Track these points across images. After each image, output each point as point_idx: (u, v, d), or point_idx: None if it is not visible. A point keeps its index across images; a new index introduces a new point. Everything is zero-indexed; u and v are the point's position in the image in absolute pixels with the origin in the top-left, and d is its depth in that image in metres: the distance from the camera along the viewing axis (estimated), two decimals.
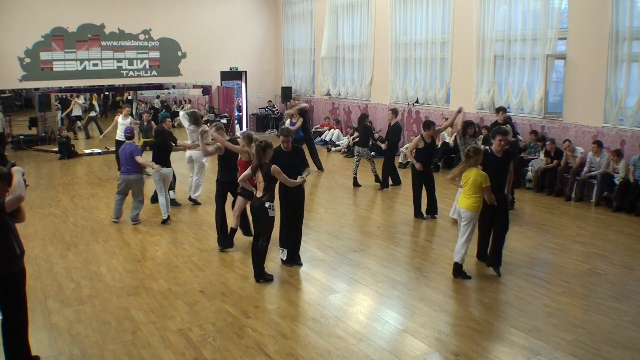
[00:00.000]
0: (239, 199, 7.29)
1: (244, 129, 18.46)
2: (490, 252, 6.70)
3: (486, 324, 5.34)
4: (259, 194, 6.27)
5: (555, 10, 10.70)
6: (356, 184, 11.14)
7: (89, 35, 16.45)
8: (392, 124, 10.77)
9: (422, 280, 6.42)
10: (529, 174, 10.81)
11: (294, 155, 6.71)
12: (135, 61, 17.29)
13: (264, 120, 19.28)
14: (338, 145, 15.74)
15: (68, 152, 14.65)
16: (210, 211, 9.29)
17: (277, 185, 6.41)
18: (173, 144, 9.16)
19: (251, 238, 7.02)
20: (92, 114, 17.99)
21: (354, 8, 16.02)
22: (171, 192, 9.54)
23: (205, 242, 7.78)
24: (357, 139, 11.92)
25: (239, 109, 19.84)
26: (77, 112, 17.64)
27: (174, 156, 8.97)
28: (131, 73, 17.29)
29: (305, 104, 13.49)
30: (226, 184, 7.53)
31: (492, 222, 6.62)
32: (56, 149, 14.93)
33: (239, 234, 7.63)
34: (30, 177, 11.58)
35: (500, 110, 10.57)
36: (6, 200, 4.07)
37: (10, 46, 15.43)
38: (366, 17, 15.55)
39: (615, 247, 7.59)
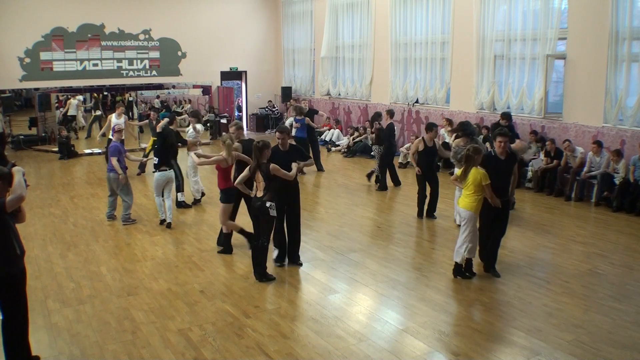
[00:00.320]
0: (221, 205, 7.19)
1: (245, 128, 18.44)
2: (485, 253, 6.66)
3: (486, 324, 5.34)
4: (259, 193, 6.27)
5: (555, 10, 10.70)
6: (384, 186, 10.92)
7: (89, 35, 16.45)
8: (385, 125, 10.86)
9: (422, 280, 6.42)
10: (529, 174, 10.81)
11: (290, 154, 6.70)
12: (135, 61, 17.30)
13: (264, 120, 19.28)
14: (338, 145, 15.74)
15: (68, 152, 14.66)
16: (210, 211, 9.30)
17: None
18: (179, 144, 9.15)
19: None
20: (97, 112, 17.95)
21: (354, 8, 16.02)
22: (179, 194, 9.53)
23: (205, 242, 7.78)
24: (367, 138, 11.88)
25: (239, 109, 19.84)
26: (72, 112, 17.64)
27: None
28: (131, 73, 17.30)
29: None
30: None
31: (493, 225, 6.60)
32: (56, 149, 14.94)
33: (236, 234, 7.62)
34: (30, 177, 11.58)
35: (505, 117, 10.57)
36: (7, 200, 4.07)
37: (10, 46, 15.43)
38: (366, 17, 15.55)
39: (615, 247, 7.59)
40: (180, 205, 9.56)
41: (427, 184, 8.91)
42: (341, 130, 16.49)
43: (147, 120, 13.52)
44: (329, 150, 15.51)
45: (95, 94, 18.27)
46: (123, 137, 8.90)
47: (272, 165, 6.17)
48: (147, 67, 17.51)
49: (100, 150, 15.15)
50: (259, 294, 6.07)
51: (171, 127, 9.52)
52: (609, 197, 9.49)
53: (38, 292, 6.06)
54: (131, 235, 8.17)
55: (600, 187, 9.66)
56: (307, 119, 12.39)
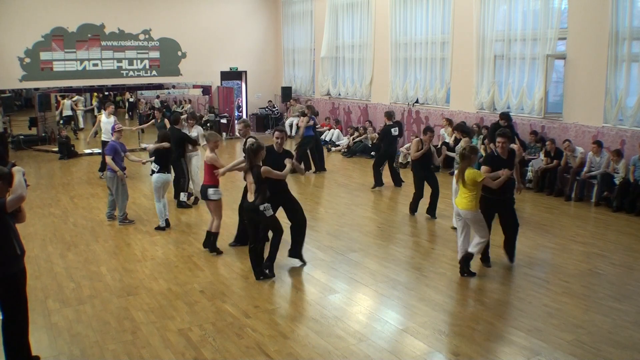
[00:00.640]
0: (213, 203, 7.27)
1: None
2: (506, 248, 6.94)
3: (486, 324, 5.34)
4: (250, 197, 6.23)
5: (555, 10, 10.70)
6: (378, 183, 11.06)
7: (89, 35, 16.45)
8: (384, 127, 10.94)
9: (422, 280, 6.42)
10: (529, 174, 10.81)
11: (284, 157, 6.70)
12: (135, 61, 17.30)
13: (264, 120, 19.28)
14: (338, 145, 15.75)
15: (68, 152, 14.66)
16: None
17: None
18: (190, 146, 9.15)
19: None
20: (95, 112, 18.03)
21: (354, 8, 16.02)
22: (182, 194, 9.52)
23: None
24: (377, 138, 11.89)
25: (239, 109, 19.84)
26: (67, 112, 17.64)
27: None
28: (131, 73, 17.30)
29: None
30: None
31: (494, 222, 6.74)
32: (56, 149, 14.93)
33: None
34: (30, 177, 11.58)
35: (504, 118, 10.60)
36: (7, 200, 4.07)
37: (10, 46, 15.44)
38: (366, 17, 15.55)
39: (615, 247, 7.59)
40: (181, 205, 9.56)
41: (424, 184, 8.97)
42: (341, 130, 16.49)
43: (152, 120, 13.53)
44: (329, 150, 15.51)
45: (96, 94, 18.30)
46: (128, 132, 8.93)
47: (263, 168, 6.14)
48: (147, 67, 17.51)
49: (100, 151, 15.15)
50: (259, 294, 6.07)
51: (177, 126, 9.52)
52: (609, 197, 9.49)
53: (38, 292, 6.06)
54: (131, 235, 8.17)
55: (600, 187, 9.66)
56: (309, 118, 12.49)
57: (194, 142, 9.43)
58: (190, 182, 9.78)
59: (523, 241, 7.70)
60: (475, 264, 6.70)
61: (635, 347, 4.87)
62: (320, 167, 12.64)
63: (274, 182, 6.44)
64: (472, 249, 6.41)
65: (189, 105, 19.63)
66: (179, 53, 17.92)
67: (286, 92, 18.64)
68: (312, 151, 12.61)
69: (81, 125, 18.98)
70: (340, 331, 5.19)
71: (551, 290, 6.10)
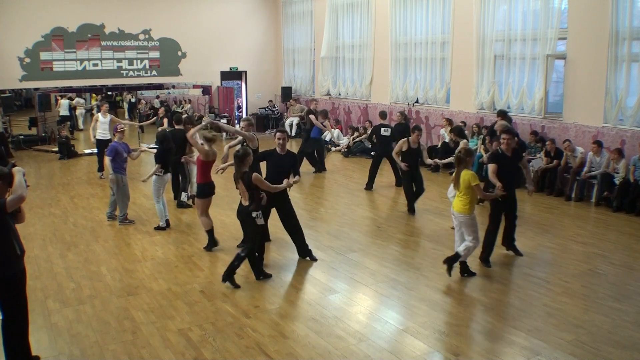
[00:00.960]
0: (198, 200, 7.39)
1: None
2: (509, 245, 7.13)
3: (486, 324, 5.34)
4: (244, 202, 6.19)
5: (555, 10, 10.70)
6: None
7: (89, 35, 16.44)
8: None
9: (422, 280, 6.42)
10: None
11: (287, 158, 6.69)
12: (135, 61, 17.29)
13: (264, 120, 19.28)
14: (338, 145, 15.74)
15: (68, 152, 14.65)
16: (211, 212, 9.26)
17: None
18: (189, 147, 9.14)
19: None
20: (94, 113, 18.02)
21: (354, 8, 16.01)
22: (183, 194, 9.52)
23: (205, 242, 7.76)
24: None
25: (239, 109, 19.83)
26: (64, 112, 17.64)
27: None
28: (131, 73, 17.29)
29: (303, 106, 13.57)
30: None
31: (502, 217, 6.92)
32: (56, 149, 14.93)
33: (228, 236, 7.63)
34: (30, 177, 11.58)
35: (501, 115, 10.63)
36: (7, 200, 4.07)
37: (10, 46, 15.43)
38: (366, 17, 15.55)
39: (615, 247, 7.59)
40: (181, 205, 9.56)
41: (411, 182, 9.21)
42: (341, 130, 16.49)
43: (154, 118, 13.54)
44: (329, 150, 15.50)
45: (95, 95, 18.30)
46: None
47: (254, 176, 6.05)
48: (147, 67, 17.51)
49: (97, 151, 15.15)
50: (259, 294, 6.07)
51: (178, 127, 9.51)
52: (609, 197, 9.48)
53: (38, 292, 6.06)
54: (131, 235, 8.17)
55: (600, 187, 9.66)
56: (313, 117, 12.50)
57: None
58: (189, 183, 9.78)
59: (523, 241, 7.70)
60: (475, 264, 6.70)
61: (635, 347, 4.88)
62: (321, 167, 12.64)
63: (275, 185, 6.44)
64: (460, 251, 6.36)
65: (189, 106, 19.63)
66: (179, 53, 17.91)
67: (286, 92, 18.63)
68: (318, 152, 12.69)
69: (81, 126, 18.98)
70: (340, 331, 5.19)
71: (551, 290, 6.10)
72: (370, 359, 4.71)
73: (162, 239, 7.99)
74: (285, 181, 6.41)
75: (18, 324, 4.37)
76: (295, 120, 17.91)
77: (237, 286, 6.19)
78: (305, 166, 12.57)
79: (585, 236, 8.03)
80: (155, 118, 13.07)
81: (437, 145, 12.97)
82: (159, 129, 10.56)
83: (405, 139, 9.11)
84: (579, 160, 10.11)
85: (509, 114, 11.53)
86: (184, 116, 10.27)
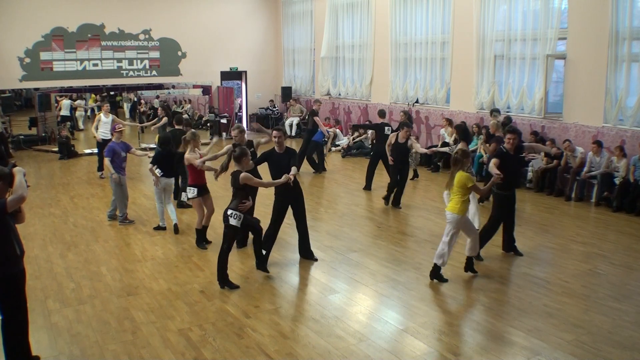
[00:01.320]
0: (195, 201, 7.51)
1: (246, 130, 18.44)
2: (509, 246, 7.18)
3: (486, 324, 5.34)
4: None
5: (555, 10, 10.70)
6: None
7: (89, 35, 16.44)
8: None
9: (422, 280, 6.42)
10: (529, 174, 10.81)
11: (286, 156, 6.67)
12: (135, 61, 17.29)
13: (264, 120, 19.27)
14: (338, 145, 15.74)
15: (68, 152, 14.66)
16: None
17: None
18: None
19: (250, 240, 7.06)
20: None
21: (354, 8, 16.01)
22: (183, 193, 9.51)
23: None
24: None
25: (239, 109, 19.84)
26: (64, 112, 17.64)
27: None
28: (131, 73, 17.29)
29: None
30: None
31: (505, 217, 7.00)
32: (56, 149, 14.93)
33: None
34: (30, 177, 11.58)
35: (496, 113, 10.73)
36: (8, 201, 4.06)
37: (10, 46, 15.43)
38: (366, 17, 15.55)
39: (615, 247, 7.59)
40: (181, 205, 9.56)
41: (397, 175, 9.50)
42: (341, 131, 16.50)
43: (156, 119, 13.54)
44: (329, 150, 15.50)
45: (93, 95, 18.29)
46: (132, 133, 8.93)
47: (242, 175, 6.00)
48: (147, 67, 17.51)
49: (98, 151, 15.15)
50: (259, 294, 6.07)
51: (178, 127, 9.50)
52: (609, 197, 9.48)
53: (38, 292, 6.06)
54: (131, 235, 8.17)
55: (600, 187, 9.66)
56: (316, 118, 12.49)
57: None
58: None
59: (523, 241, 7.70)
60: (477, 264, 6.70)
61: (635, 347, 4.88)
62: (321, 168, 12.63)
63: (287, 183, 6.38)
64: (469, 252, 6.39)
65: (189, 106, 19.63)
66: (179, 53, 17.91)
67: (286, 92, 18.64)
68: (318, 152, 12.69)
69: (81, 126, 18.99)
70: (340, 331, 5.19)
71: (551, 290, 6.10)
72: (370, 359, 4.71)
73: (162, 239, 7.99)
74: (284, 176, 6.39)
75: (18, 324, 4.36)
76: (295, 120, 17.92)
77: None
78: (305, 166, 12.58)
79: (585, 236, 8.03)
80: (155, 119, 13.07)
81: (437, 145, 12.97)
82: (153, 127, 10.54)
83: (395, 133, 9.45)
84: (579, 160, 10.11)
85: (509, 114, 11.56)
86: (184, 116, 10.27)
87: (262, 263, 6.55)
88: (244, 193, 6.11)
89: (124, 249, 7.57)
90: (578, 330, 5.15)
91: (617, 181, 9.41)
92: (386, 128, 10.81)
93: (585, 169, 9.87)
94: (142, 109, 20.63)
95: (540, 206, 9.71)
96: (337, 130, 16.44)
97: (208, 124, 18.22)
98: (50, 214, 9.31)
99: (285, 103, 18.89)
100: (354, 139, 15.21)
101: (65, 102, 17.71)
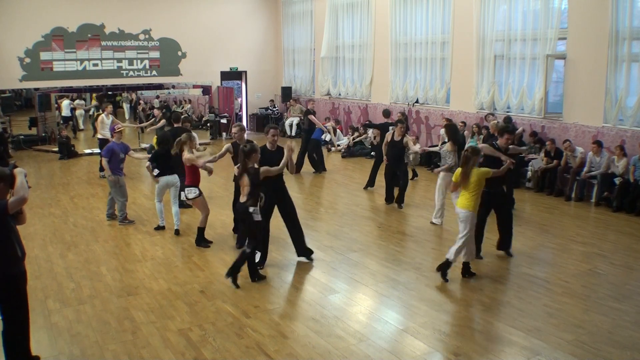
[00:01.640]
0: (198, 201, 7.55)
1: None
2: (503, 245, 7.13)
3: (486, 324, 5.34)
4: (242, 198, 6.18)
5: (555, 10, 10.70)
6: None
7: (89, 35, 16.45)
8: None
9: (422, 280, 6.42)
10: (529, 174, 10.81)
11: (277, 154, 6.65)
12: (135, 61, 17.30)
13: (264, 120, 19.28)
14: (338, 145, 15.74)
15: (68, 152, 14.66)
16: (210, 211, 9.28)
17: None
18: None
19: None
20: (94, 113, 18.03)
21: (354, 8, 16.02)
22: (182, 193, 9.50)
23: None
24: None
25: (239, 109, 19.84)
26: (65, 112, 17.64)
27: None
28: (131, 73, 17.30)
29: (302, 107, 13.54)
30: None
31: (485, 217, 6.96)
32: (56, 149, 14.94)
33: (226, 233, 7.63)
34: (30, 177, 11.57)
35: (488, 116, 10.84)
36: (9, 202, 4.05)
37: (10, 46, 15.43)
38: (366, 17, 15.55)
39: (615, 247, 7.59)
40: (181, 205, 9.54)
41: (394, 174, 9.61)
42: (341, 131, 16.49)
43: (152, 119, 13.55)
44: (329, 150, 15.50)
45: (94, 95, 18.27)
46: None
47: (262, 169, 6.08)
48: (147, 67, 17.51)
49: (100, 151, 15.15)
50: (259, 294, 6.07)
51: (178, 125, 9.51)
52: (609, 197, 9.49)
53: (38, 292, 6.06)
54: (131, 235, 8.17)
55: (600, 187, 9.66)
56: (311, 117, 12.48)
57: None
58: None
59: (523, 241, 7.71)
60: (476, 263, 6.70)
61: (635, 347, 4.88)
62: (321, 168, 12.63)
63: (272, 181, 6.43)
64: (452, 256, 6.29)
65: (189, 106, 19.63)
66: (179, 53, 17.92)
67: (286, 92, 18.64)
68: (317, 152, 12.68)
69: (81, 126, 18.99)
70: (340, 331, 5.19)
71: (551, 290, 6.10)
72: (370, 359, 4.71)
73: (162, 239, 7.99)
74: (286, 146, 6.49)
75: (18, 325, 4.34)
76: (295, 120, 17.91)
77: (237, 286, 6.18)
78: (307, 166, 12.58)
79: (585, 236, 8.03)
80: (153, 119, 13.08)
81: (437, 145, 12.97)
82: (150, 128, 10.54)
83: (392, 131, 9.52)
84: (579, 160, 10.11)
85: (509, 113, 11.56)
86: (182, 116, 10.28)
87: (235, 272, 6.32)
88: (259, 190, 6.14)
89: (124, 249, 7.57)
90: (578, 330, 5.15)
91: (617, 181, 9.41)
92: (390, 128, 10.81)
93: (585, 169, 9.88)
94: (141, 108, 20.62)
95: (540, 206, 9.71)
96: (338, 130, 16.44)
97: (208, 124, 18.21)
98: (50, 214, 9.31)
99: (285, 103, 18.88)
100: (354, 139, 15.21)
101: (65, 103, 17.72)
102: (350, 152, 14.85)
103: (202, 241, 7.63)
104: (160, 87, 18.47)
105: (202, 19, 18.00)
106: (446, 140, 12.45)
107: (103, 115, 12.08)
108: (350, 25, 16.36)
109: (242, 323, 5.36)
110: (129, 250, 7.54)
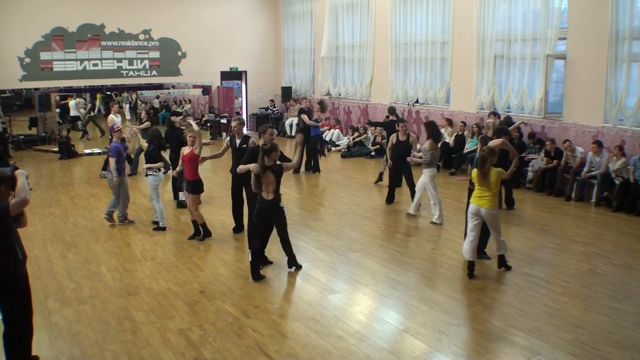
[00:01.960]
0: (187, 195, 7.75)
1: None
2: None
3: (486, 324, 5.34)
4: (267, 195, 6.29)
5: (555, 10, 10.70)
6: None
7: (89, 35, 16.44)
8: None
9: (422, 280, 6.42)
10: (529, 174, 10.80)
11: None
12: (135, 61, 17.29)
13: (264, 120, 19.27)
14: (338, 145, 15.74)
15: (68, 152, 14.66)
16: (209, 210, 9.30)
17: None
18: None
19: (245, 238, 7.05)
20: (91, 113, 18.02)
21: (354, 8, 16.01)
22: (181, 193, 9.51)
23: (205, 242, 7.78)
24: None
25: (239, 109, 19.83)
26: (73, 112, 17.62)
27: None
28: (131, 73, 17.29)
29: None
30: (239, 179, 7.53)
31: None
32: (56, 149, 14.94)
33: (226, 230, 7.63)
34: (30, 177, 11.51)
35: (494, 115, 10.82)
36: (10, 204, 4.02)
37: (10, 46, 15.43)
38: (366, 17, 15.55)
39: (615, 247, 7.59)
40: (181, 205, 9.55)
41: (400, 175, 9.67)
42: (341, 131, 16.49)
43: (146, 122, 13.54)
44: (329, 150, 15.50)
45: (93, 95, 18.25)
46: (123, 136, 8.90)
47: (286, 166, 6.40)
48: (147, 67, 17.50)
49: (100, 150, 15.16)
50: (259, 294, 6.07)
51: (174, 118, 9.61)
52: (609, 197, 9.49)
53: (38, 292, 6.06)
54: (131, 235, 8.17)
55: (600, 187, 9.66)
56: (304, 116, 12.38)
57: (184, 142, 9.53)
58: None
59: (523, 241, 7.71)
60: (477, 264, 6.70)
61: (635, 347, 4.88)
62: (315, 169, 12.53)
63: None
64: (500, 251, 6.60)
65: (189, 106, 19.62)
66: (179, 53, 17.91)
67: (286, 92, 18.63)
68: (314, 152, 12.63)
69: (80, 125, 18.97)
70: (340, 331, 5.19)
71: (551, 290, 6.11)
72: (370, 359, 4.71)
73: (162, 239, 7.99)
74: (297, 136, 6.84)
75: (19, 327, 4.31)
76: (295, 120, 17.89)
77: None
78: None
79: (585, 236, 8.03)
80: (146, 123, 13.13)
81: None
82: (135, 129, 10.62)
83: (395, 133, 9.55)
84: (579, 160, 10.11)
85: (509, 114, 11.55)
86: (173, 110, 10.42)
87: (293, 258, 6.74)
88: (279, 184, 6.43)
89: (124, 249, 7.57)
90: (578, 330, 5.16)
91: (617, 181, 9.41)
92: (396, 126, 10.81)
93: (585, 169, 9.87)
94: (140, 110, 20.61)
95: (540, 206, 9.71)
96: (337, 130, 16.42)
97: (208, 124, 18.21)
98: (50, 214, 9.31)
99: (285, 103, 18.88)
100: (354, 139, 15.21)
101: (72, 103, 17.69)
102: (350, 152, 14.85)
103: (207, 234, 7.88)
104: (160, 87, 18.46)
105: (202, 19, 17.99)
106: (447, 140, 12.52)
107: (112, 115, 12.03)
108: (350, 25, 16.36)
109: (242, 323, 5.36)
110: (129, 250, 7.54)
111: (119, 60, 17.01)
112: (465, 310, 5.69)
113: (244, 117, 19.60)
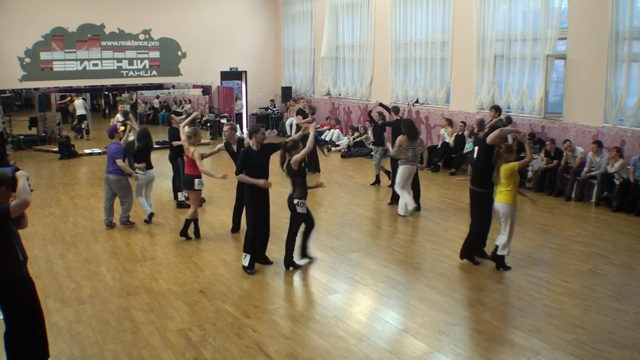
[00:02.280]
0: (193, 193, 7.77)
1: (244, 129, 18.44)
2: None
3: (486, 324, 5.34)
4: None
5: (555, 10, 10.70)
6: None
7: (89, 35, 16.44)
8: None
9: (422, 280, 6.42)
10: (529, 174, 10.80)
11: (263, 153, 6.62)
12: (135, 61, 17.28)
13: (264, 120, 19.28)
14: (338, 145, 15.74)
15: (68, 152, 14.66)
16: (210, 211, 9.30)
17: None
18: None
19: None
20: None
21: (354, 8, 16.01)
22: (179, 194, 9.51)
23: (205, 242, 7.78)
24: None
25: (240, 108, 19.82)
26: (80, 111, 17.60)
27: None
28: (131, 73, 17.28)
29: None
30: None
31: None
32: (56, 149, 14.94)
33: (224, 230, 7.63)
34: (30, 177, 11.53)
35: (496, 110, 10.84)
36: (11, 205, 4.01)
37: (10, 46, 15.42)
38: (366, 17, 15.54)
39: (615, 247, 7.59)
40: (181, 205, 9.55)
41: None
42: (341, 131, 16.50)
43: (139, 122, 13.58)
44: (329, 150, 15.50)
45: (93, 95, 18.24)
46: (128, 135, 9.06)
47: (294, 158, 6.36)
48: (147, 67, 17.50)
49: (100, 150, 15.16)
50: (259, 294, 6.07)
51: (172, 116, 9.67)
52: (609, 197, 9.48)
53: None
54: (131, 235, 8.17)
55: (600, 187, 9.66)
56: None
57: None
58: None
59: (523, 241, 7.71)
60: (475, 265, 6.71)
61: (635, 347, 4.88)
62: (316, 168, 12.53)
63: (257, 176, 6.51)
64: (502, 250, 6.58)
65: (189, 106, 19.63)
66: (179, 53, 17.91)
67: (286, 92, 18.63)
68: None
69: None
70: (340, 331, 5.19)
71: (551, 290, 6.11)
72: (370, 359, 4.71)
73: (162, 239, 7.99)
74: (305, 126, 7.07)
75: (21, 330, 4.29)
76: (295, 120, 17.91)
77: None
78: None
79: (585, 236, 8.03)
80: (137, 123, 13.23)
81: (437, 145, 12.99)
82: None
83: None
84: (579, 160, 10.11)
85: (509, 114, 11.55)
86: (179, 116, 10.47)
87: (290, 258, 6.72)
88: (301, 179, 6.44)
89: (124, 249, 7.57)
90: (578, 330, 5.16)
91: (617, 181, 9.41)
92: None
93: (585, 169, 9.87)
94: (140, 110, 20.60)
95: (540, 206, 9.70)
96: (337, 130, 16.42)
97: (208, 124, 18.21)
98: (50, 214, 9.31)
99: (285, 103, 18.88)
100: (354, 139, 15.21)
101: (78, 102, 17.67)
102: (350, 152, 14.85)
103: (185, 233, 7.86)
104: (160, 87, 18.46)
105: (202, 19, 17.99)
106: (447, 140, 12.52)
107: (119, 115, 12.10)
108: (350, 25, 16.35)
109: (242, 323, 5.36)
110: (129, 250, 7.54)
111: (119, 60, 17.00)
112: (465, 310, 5.69)
113: (244, 117, 19.62)
